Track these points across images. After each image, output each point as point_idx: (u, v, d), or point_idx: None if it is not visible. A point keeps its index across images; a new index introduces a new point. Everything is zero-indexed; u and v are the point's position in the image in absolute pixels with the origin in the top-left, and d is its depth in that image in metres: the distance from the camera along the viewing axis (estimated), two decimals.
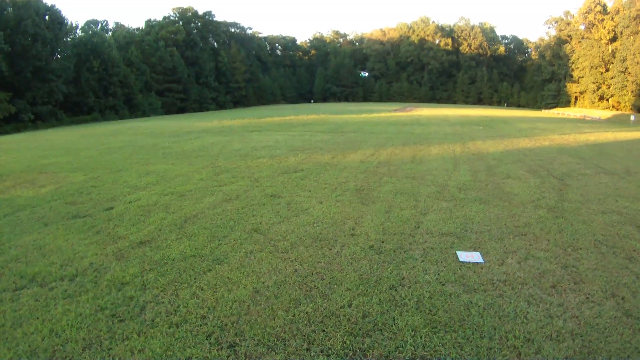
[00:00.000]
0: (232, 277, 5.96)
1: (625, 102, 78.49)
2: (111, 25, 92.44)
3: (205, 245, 7.19)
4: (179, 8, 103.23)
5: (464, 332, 4.63)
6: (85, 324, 4.82)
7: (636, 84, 73.24)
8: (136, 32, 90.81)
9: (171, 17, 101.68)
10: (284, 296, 5.40)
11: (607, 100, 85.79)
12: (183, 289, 5.61)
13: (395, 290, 5.56)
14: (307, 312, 5.02)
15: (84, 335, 4.63)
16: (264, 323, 4.80)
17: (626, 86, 76.65)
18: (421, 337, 4.53)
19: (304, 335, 4.58)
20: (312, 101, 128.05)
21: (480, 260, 6.53)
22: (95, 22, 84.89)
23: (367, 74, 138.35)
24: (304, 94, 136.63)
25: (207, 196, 10.64)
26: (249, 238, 7.56)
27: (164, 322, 4.85)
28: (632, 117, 53.91)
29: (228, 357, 4.25)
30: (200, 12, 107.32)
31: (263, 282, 5.79)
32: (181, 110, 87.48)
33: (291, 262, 6.46)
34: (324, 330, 4.67)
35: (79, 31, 72.49)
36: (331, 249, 7.01)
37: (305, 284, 5.75)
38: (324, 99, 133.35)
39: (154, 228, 8.17)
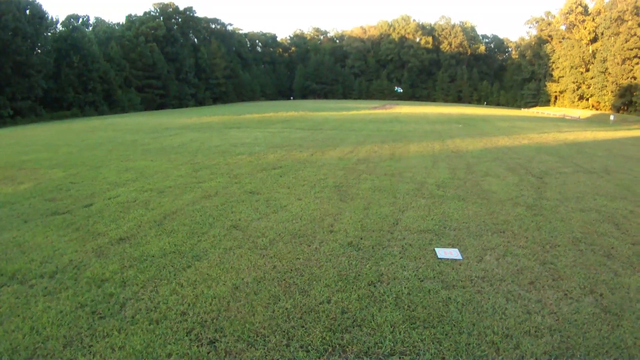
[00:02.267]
0: (212, 273, 5.96)
1: (605, 102, 79.47)
2: (92, 21, 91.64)
3: (185, 242, 7.17)
4: (159, 3, 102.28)
5: (443, 327, 4.68)
6: (66, 321, 4.79)
7: (616, 84, 74.16)
8: (116, 28, 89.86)
9: (152, 13, 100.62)
10: (264, 292, 5.41)
11: (587, 100, 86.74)
12: (163, 286, 5.60)
13: (374, 286, 5.60)
14: (286, 308, 5.04)
15: (65, 332, 4.60)
16: (244, 319, 4.81)
17: (606, 86, 77.56)
18: (400, 333, 4.57)
19: (284, 331, 4.60)
20: (291, 98, 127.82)
21: (459, 257, 6.59)
22: (76, 17, 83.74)
23: (400, 90, 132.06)
24: (283, 91, 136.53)
25: (186, 193, 10.60)
26: (228, 234, 7.55)
27: (144, 318, 4.84)
28: (611, 117, 54.89)
29: (208, 353, 4.25)
30: (181, 8, 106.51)
31: (242, 279, 5.79)
32: (161, 106, 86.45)
33: (270, 259, 6.47)
34: (303, 326, 4.69)
35: (59, 26, 71.60)
36: (310, 246, 7.03)
37: (284, 280, 5.77)
38: (304, 96, 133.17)
39: (133, 225, 8.12)
